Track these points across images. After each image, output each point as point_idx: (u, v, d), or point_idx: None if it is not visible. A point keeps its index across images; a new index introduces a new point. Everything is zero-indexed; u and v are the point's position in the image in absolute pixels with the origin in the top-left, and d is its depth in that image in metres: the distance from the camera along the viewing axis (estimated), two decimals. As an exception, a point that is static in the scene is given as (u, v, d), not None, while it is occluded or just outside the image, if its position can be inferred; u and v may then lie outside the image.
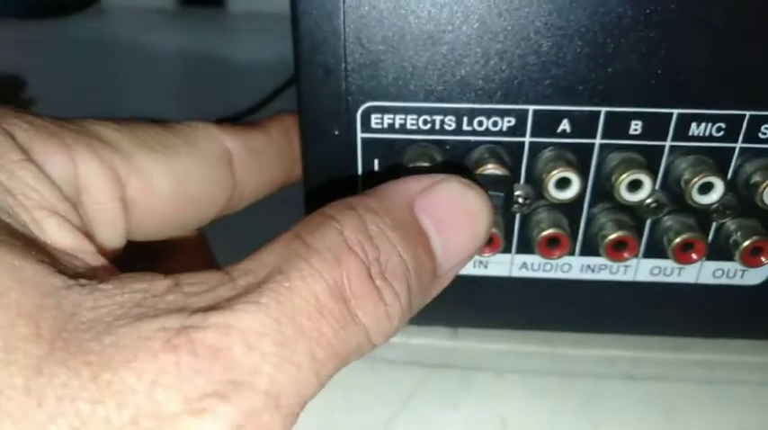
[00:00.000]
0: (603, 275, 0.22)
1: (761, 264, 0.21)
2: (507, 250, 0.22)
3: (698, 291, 0.22)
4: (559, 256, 0.21)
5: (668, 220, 0.21)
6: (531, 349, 0.25)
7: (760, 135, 0.19)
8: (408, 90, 0.19)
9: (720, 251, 0.21)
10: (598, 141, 0.20)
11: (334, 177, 0.21)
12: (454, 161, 0.20)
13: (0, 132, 0.15)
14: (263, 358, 0.12)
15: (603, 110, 0.19)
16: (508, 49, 0.18)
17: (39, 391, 0.11)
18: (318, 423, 0.22)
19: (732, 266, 0.22)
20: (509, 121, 0.19)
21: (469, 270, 0.22)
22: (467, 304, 0.23)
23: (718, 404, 0.23)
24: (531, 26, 0.18)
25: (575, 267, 0.22)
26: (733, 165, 0.20)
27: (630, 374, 0.24)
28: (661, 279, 0.22)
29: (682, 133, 0.19)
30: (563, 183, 0.19)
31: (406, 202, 0.16)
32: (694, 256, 0.21)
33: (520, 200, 0.20)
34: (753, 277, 0.22)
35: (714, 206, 0.20)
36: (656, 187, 0.20)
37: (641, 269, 0.22)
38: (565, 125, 0.19)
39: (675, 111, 0.19)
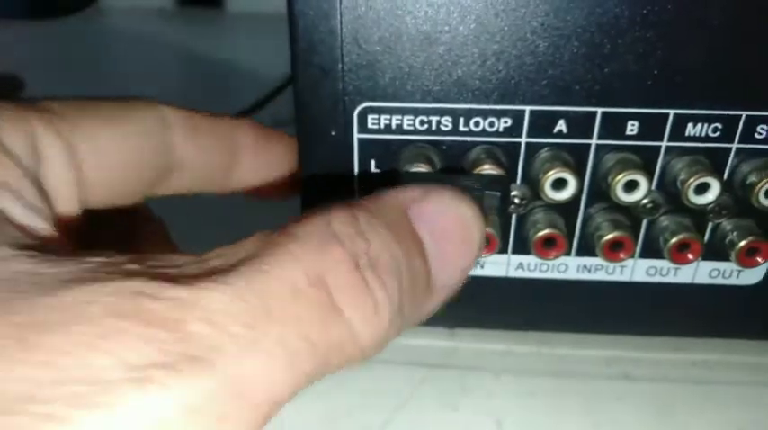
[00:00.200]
0: (600, 276, 0.22)
1: (757, 265, 0.21)
2: (504, 250, 0.22)
3: (694, 292, 0.22)
4: (556, 257, 0.21)
5: (664, 221, 0.21)
6: (529, 349, 0.25)
7: (756, 135, 0.19)
8: (405, 90, 0.19)
9: (716, 251, 0.21)
10: (594, 142, 0.20)
11: (330, 178, 0.21)
12: (451, 164, 0.20)
13: None
14: (228, 338, 0.11)
15: (600, 110, 0.19)
16: (505, 49, 0.19)
17: None
18: (316, 423, 0.22)
19: (728, 266, 0.22)
20: (505, 122, 0.19)
21: (466, 270, 0.22)
22: (463, 304, 0.23)
23: (715, 404, 0.23)
24: (527, 26, 0.18)
25: (571, 268, 0.22)
26: (729, 165, 0.20)
27: (628, 375, 0.24)
28: (657, 279, 0.22)
29: (678, 133, 0.19)
30: (559, 184, 0.19)
31: (400, 208, 0.15)
32: (690, 257, 0.21)
33: (516, 200, 0.20)
34: (749, 277, 0.22)
35: (710, 206, 0.20)
36: (653, 187, 0.20)
37: (637, 269, 0.22)
38: (561, 125, 0.19)
39: (672, 112, 0.19)
